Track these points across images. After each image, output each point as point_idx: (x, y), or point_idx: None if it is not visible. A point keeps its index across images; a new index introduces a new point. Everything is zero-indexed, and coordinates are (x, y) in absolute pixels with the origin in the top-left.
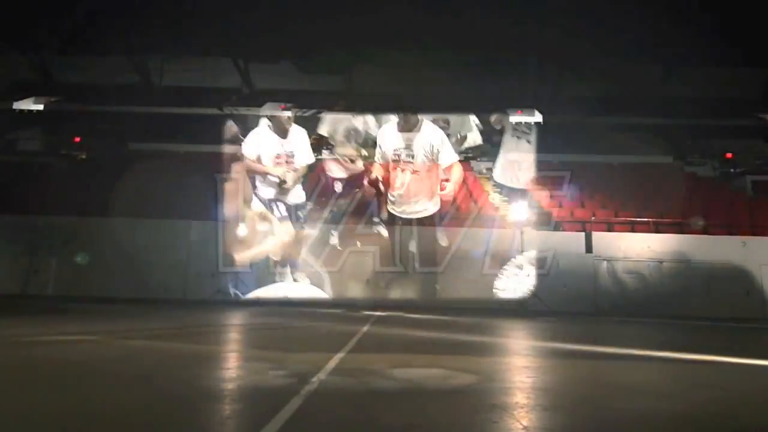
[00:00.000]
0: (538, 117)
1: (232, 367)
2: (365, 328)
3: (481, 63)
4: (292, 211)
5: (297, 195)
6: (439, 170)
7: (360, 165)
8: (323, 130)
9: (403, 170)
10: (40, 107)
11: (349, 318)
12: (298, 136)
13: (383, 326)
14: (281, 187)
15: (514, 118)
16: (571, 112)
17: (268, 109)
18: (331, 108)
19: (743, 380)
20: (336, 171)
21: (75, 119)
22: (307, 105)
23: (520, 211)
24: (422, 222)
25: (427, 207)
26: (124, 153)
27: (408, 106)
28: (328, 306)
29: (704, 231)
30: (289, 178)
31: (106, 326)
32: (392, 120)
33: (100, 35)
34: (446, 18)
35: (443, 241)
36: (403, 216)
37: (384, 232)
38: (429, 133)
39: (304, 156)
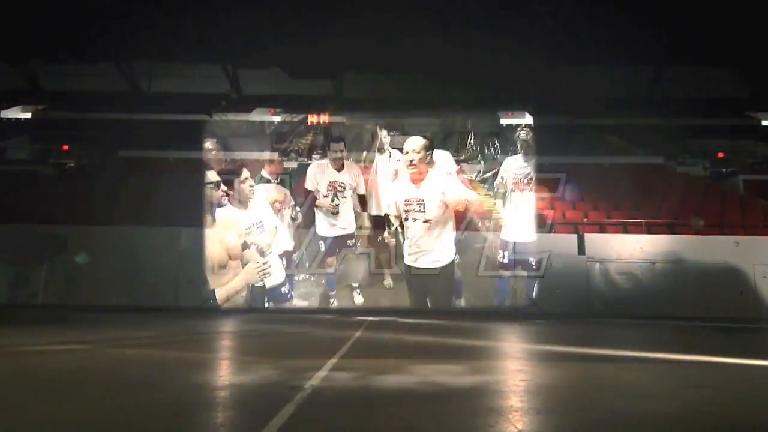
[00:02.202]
0: (528, 119)
1: (224, 374)
2: (358, 333)
3: (472, 66)
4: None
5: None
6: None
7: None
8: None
9: (415, 220)
10: (28, 115)
11: (341, 323)
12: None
13: (376, 331)
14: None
15: (505, 121)
16: (562, 114)
17: (257, 115)
18: (320, 113)
19: (737, 380)
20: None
21: (63, 127)
22: (296, 110)
23: (512, 214)
24: None
25: (441, 258)
26: (113, 160)
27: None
28: (320, 312)
29: (696, 231)
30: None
31: (96, 335)
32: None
33: (88, 42)
34: (436, 21)
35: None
36: (419, 266)
37: (388, 239)
38: (438, 178)
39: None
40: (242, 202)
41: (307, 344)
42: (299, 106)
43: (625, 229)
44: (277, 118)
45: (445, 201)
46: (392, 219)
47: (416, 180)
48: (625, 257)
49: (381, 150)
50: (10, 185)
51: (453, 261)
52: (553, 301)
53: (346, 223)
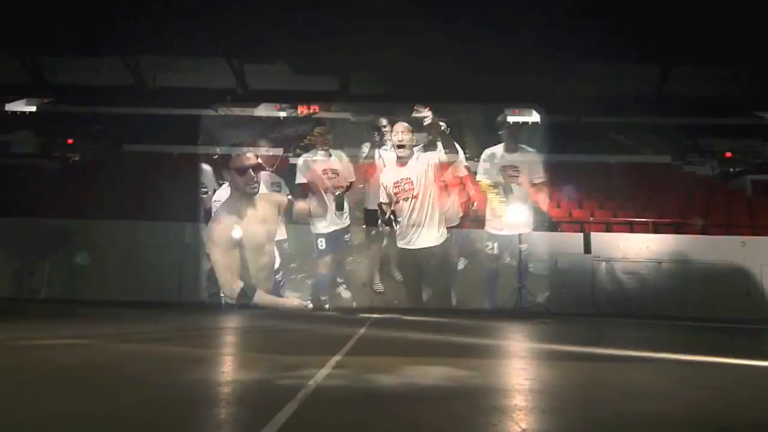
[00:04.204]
0: (535, 117)
1: (227, 370)
2: (362, 331)
3: (477, 63)
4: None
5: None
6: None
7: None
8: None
9: (405, 199)
10: (33, 109)
11: (345, 320)
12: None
13: (380, 329)
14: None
15: (512, 118)
16: (569, 112)
17: (262, 110)
18: (326, 109)
19: (743, 381)
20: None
21: (68, 121)
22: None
23: (517, 212)
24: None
25: (434, 234)
26: (118, 155)
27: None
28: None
29: (703, 231)
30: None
31: (100, 329)
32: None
33: (93, 36)
34: (443, 19)
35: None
36: (414, 247)
37: (382, 227)
38: (424, 157)
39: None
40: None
41: (311, 341)
42: (305, 102)
43: (632, 228)
44: (282, 114)
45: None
46: (384, 207)
47: (402, 164)
48: (631, 256)
49: (383, 143)
50: (15, 179)
51: (447, 243)
52: (558, 299)
53: (346, 216)
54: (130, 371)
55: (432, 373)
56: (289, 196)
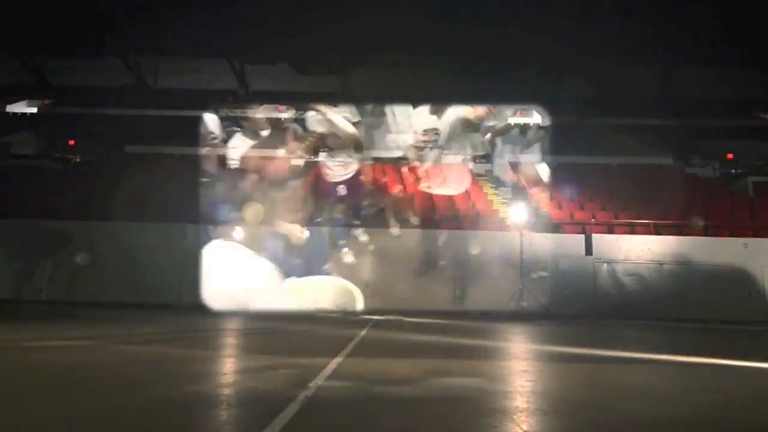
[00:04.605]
0: (537, 118)
1: (228, 372)
2: (363, 332)
3: (479, 65)
4: None
5: None
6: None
7: (354, 166)
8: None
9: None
10: (34, 110)
11: (346, 322)
12: None
13: (381, 330)
14: None
15: (513, 120)
16: (571, 114)
17: (263, 111)
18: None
19: (745, 383)
20: (336, 174)
21: (69, 122)
22: (304, 107)
23: (519, 213)
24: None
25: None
26: (119, 155)
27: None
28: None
29: (705, 232)
30: None
31: (100, 331)
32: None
33: (95, 37)
34: (444, 21)
35: (476, 249)
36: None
37: (396, 232)
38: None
39: None
40: None
41: (312, 343)
42: (307, 103)
43: (633, 229)
44: (284, 115)
45: None
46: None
47: None
48: (632, 258)
49: None
50: (16, 180)
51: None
52: (559, 301)
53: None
54: (131, 372)
55: (433, 375)
56: None
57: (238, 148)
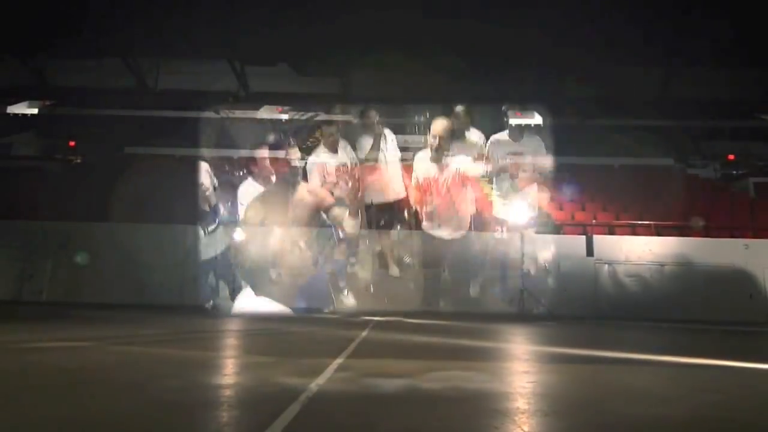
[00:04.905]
0: (537, 119)
1: (228, 373)
2: (364, 333)
3: (479, 65)
4: None
5: None
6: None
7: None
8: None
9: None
10: (35, 111)
11: (347, 323)
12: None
13: (382, 331)
14: None
15: (513, 120)
16: (571, 114)
17: (264, 112)
18: (328, 111)
19: (746, 385)
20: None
21: (69, 123)
22: (304, 108)
23: (520, 214)
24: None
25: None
26: (120, 157)
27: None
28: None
29: (706, 234)
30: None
31: (100, 332)
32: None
33: (95, 37)
34: (444, 20)
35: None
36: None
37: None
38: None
39: None
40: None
41: (313, 344)
42: (307, 104)
43: (634, 230)
44: (284, 116)
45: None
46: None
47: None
48: (633, 259)
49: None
50: (16, 181)
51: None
52: (560, 302)
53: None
54: (131, 374)
55: (434, 376)
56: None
57: (248, 194)
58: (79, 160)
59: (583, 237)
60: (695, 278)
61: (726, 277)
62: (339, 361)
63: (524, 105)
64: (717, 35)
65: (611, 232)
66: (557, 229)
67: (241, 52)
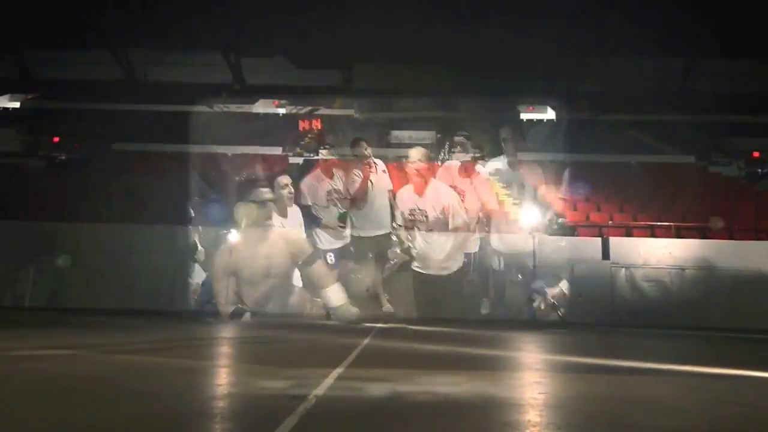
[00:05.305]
0: (551, 114)
1: (223, 383)
2: (366, 341)
3: (488, 57)
4: None
5: None
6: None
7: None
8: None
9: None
10: (17, 105)
11: (348, 330)
12: None
13: (385, 339)
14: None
15: (526, 115)
16: (586, 109)
17: (260, 106)
18: (328, 105)
19: None
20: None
21: (54, 118)
22: (302, 102)
23: (532, 215)
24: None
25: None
26: (107, 153)
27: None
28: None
29: (730, 236)
30: None
31: (88, 339)
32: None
33: (81, 28)
34: (452, 12)
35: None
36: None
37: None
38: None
39: None
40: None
41: (312, 352)
42: (305, 98)
43: (653, 232)
44: (281, 111)
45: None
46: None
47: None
48: (652, 263)
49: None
50: None
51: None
52: (575, 308)
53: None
54: (119, 383)
55: (440, 386)
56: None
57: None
58: (63, 157)
59: (599, 239)
60: (718, 283)
61: (751, 282)
62: (339, 370)
63: (534, 99)
64: (740, 25)
65: (628, 234)
66: (571, 230)
67: (236, 43)
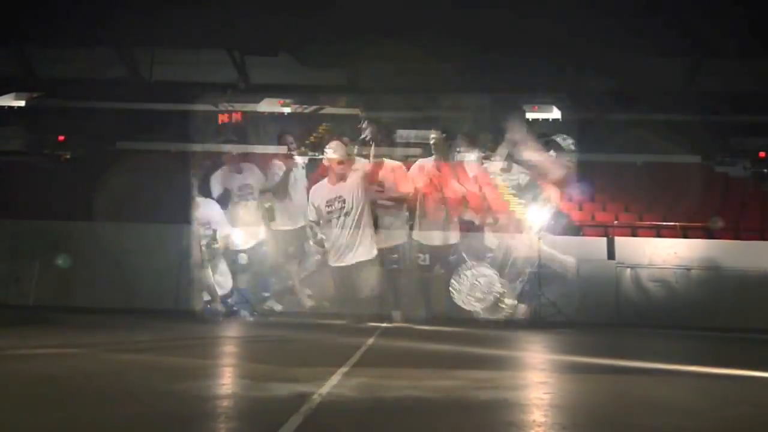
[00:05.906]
0: (556, 113)
1: (226, 382)
2: (370, 341)
3: (493, 55)
4: None
5: None
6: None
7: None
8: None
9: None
10: (22, 103)
11: (353, 330)
12: None
13: (390, 338)
14: None
15: (531, 115)
16: (591, 108)
17: (265, 105)
18: (333, 104)
19: None
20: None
21: (59, 116)
22: (308, 101)
23: (537, 214)
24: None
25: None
26: (112, 152)
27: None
28: (330, 317)
29: (736, 236)
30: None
31: (91, 338)
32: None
33: (86, 26)
34: (455, 8)
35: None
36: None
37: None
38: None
39: None
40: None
41: (316, 351)
42: (311, 97)
43: (659, 232)
44: (287, 109)
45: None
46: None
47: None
48: (658, 263)
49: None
50: (2, 177)
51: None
52: (579, 308)
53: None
54: (123, 383)
55: (445, 386)
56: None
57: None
58: (68, 156)
59: (604, 239)
60: (724, 283)
61: (757, 282)
62: (344, 370)
63: (539, 97)
64: (747, 24)
65: (634, 234)
66: (576, 230)
67: (241, 41)
